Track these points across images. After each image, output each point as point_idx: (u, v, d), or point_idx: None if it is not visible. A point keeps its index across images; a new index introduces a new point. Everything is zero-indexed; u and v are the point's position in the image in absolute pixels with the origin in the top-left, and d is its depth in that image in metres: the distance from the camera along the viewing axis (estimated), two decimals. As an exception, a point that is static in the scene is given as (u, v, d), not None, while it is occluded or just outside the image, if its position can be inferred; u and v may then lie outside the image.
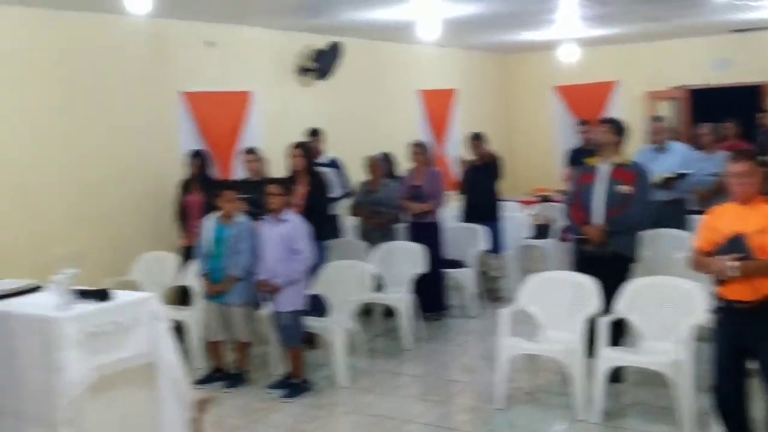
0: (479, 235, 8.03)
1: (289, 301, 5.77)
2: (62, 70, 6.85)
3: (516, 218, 9.20)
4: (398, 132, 10.05)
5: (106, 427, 3.49)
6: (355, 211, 7.86)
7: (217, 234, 5.95)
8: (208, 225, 6.01)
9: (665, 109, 11.71)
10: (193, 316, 6.36)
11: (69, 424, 3.35)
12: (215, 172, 7.48)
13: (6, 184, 6.39)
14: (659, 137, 7.35)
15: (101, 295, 3.64)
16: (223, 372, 6.11)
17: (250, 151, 7.30)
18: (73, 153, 6.91)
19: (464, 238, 8.06)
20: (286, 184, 6.09)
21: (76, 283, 3.59)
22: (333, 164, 8.03)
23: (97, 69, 7.09)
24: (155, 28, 7.54)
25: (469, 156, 8.59)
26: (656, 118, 7.97)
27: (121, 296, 3.72)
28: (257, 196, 6.43)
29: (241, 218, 6.01)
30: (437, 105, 11.46)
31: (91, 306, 3.56)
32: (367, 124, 10.10)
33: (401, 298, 6.92)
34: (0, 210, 6.32)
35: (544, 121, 12.86)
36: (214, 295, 5.93)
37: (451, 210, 8.53)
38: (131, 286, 6.27)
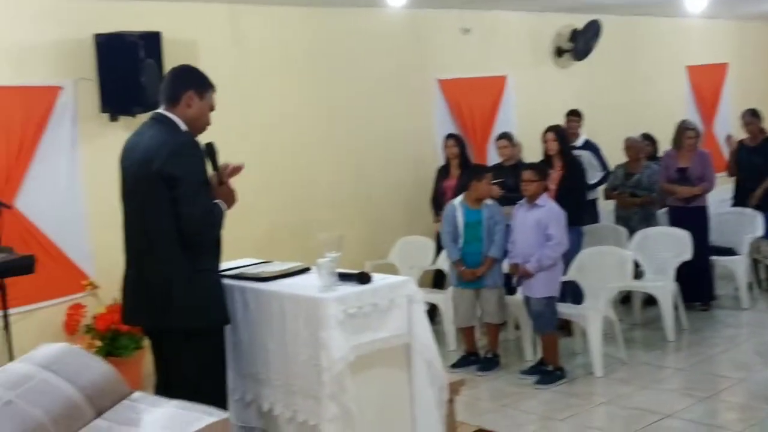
0: (754, 221, 7.42)
1: (542, 286, 5.70)
2: (323, 63, 7.25)
3: (797, 202, 8.36)
4: (661, 111, 9.53)
5: (365, 403, 3.65)
6: (613, 194, 7.57)
7: (467, 218, 6.01)
8: (455, 209, 6.08)
9: None
10: (447, 299, 6.49)
11: (332, 398, 3.54)
12: (472, 156, 7.54)
13: (274, 174, 6.90)
14: None
15: (362, 277, 3.80)
16: (476, 356, 6.18)
17: (504, 136, 7.29)
18: (335, 141, 7.32)
19: (736, 223, 7.49)
20: (541, 169, 6.01)
21: (338, 266, 3.77)
22: (589, 147, 7.79)
23: (356, 60, 7.43)
24: (411, 18, 7.75)
25: (743, 135, 7.94)
26: None
27: (380, 279, 3.86)
28: (511, 180, 6.42)
29: (490, 202, 6.02)
30: (706, 81, 10.71)
31: (353, 288, 3.71)
32: (627, 103, 9.67)
33: (663, 286, 6.58)
34: (270, 198, 6.84)
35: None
36: (471, 279, 5.99)
37: (719, 194, 7.94)
38: (389, 269, 6.54)
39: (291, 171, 7.04)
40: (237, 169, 3.80)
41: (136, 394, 3.00)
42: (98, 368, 3.02)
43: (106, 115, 5.89)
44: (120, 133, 5.24)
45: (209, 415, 2.69)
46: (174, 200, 3.52)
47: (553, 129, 6.76)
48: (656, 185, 7.29)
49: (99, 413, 2.84)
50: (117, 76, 5.72)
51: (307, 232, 6.77)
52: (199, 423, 2.66)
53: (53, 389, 2.72)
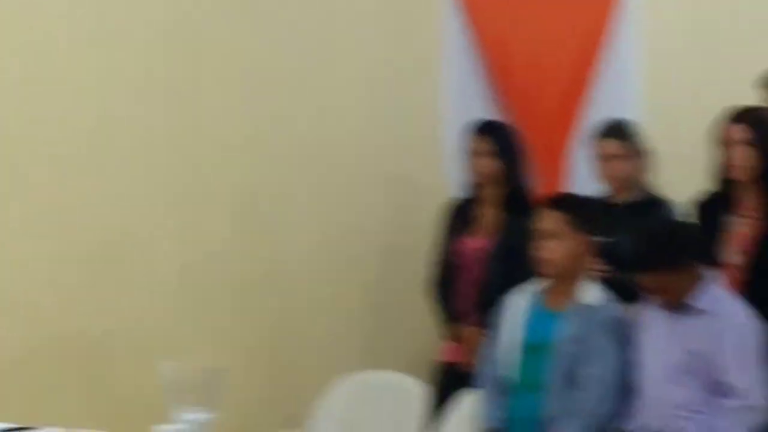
0: None
1: None
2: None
3: None
4: None
5: None
6: None
7: (530, 335, 2.91)
8: (518, 311, 2.92)
9: None
10: None
11: None
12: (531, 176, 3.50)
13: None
14: None
15: None
16: None
17: (615, 132, 3.36)
18: (184, 144, 3.25)
19: None
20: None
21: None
22: None
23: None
24: None
25: None
26: None
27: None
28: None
29: (595, 298, 2.89)
30: None
31: None
32: None
33: None
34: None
35: None
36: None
37: None
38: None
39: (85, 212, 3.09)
40: None
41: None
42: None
43: None
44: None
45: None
46: None
47: (746, 115, 3.14)
48: None
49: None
50: None
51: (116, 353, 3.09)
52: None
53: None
